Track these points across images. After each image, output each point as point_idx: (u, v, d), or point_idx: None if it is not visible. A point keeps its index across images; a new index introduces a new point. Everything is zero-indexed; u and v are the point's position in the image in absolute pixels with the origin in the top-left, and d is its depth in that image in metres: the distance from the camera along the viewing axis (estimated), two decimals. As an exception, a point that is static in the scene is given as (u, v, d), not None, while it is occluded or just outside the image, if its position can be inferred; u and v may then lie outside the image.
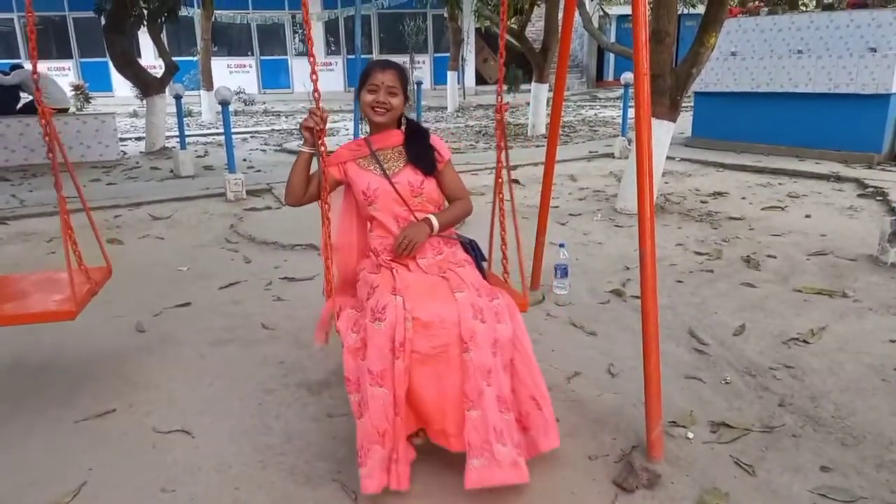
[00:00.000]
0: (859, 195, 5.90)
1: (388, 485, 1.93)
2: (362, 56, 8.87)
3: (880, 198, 5.71)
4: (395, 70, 2.28)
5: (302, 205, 2.34)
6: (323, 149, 2.19)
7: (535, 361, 2.11)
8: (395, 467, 1.94)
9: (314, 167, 2.30)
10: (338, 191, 2.38)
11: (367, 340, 1.95)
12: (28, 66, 8.90)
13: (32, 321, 2.34)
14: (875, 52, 6.96)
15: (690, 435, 2.29)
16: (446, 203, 2.39)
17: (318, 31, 19.56)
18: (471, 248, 2.40)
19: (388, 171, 2.28)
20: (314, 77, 2.15)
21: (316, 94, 2.17)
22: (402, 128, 2.37)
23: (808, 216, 5.24)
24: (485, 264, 2.43)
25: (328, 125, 2.35)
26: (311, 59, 2.15)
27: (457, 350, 1.95)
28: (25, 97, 9.09)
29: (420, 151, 2.31)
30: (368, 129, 2.38)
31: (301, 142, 2.29)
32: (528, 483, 1.94)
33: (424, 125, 2.53)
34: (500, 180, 2.46)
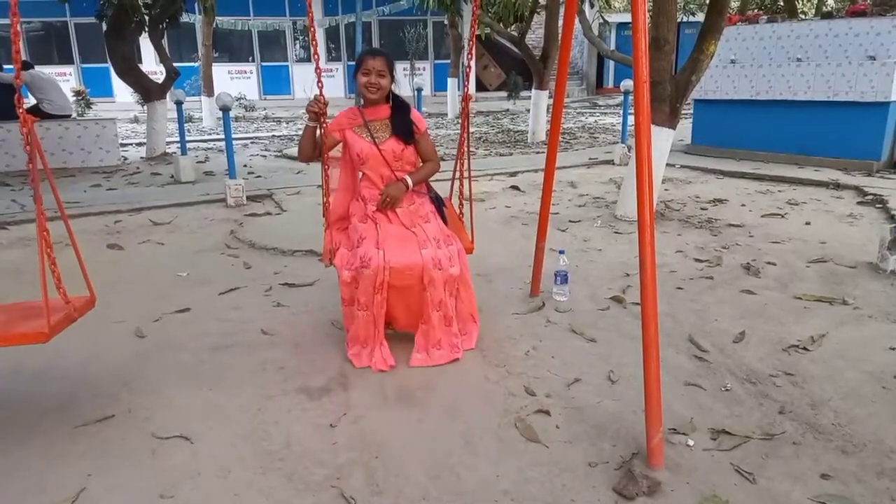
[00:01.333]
0: (859, 202, 5.92)
1: (370, 365, 2.83)
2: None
3: (879, 205, 5.72)
4: (383, 56, 2.90)
5: (311, 161, 3.04)
6: (324, 125, 2.87)
7: (472, 288, 3.03)
8: (374, 358, 2.85)
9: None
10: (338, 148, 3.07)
11: (357, 279, 2.77)
12: (37, 68, 8.97)
13: (4, 344, 2.25)
14: (874, 60, 6.99)
15: (691, 442, 2.29)
16: (420, 163, 3.09)
17: (319, 38, 19.60)
18: (436, 199, 3.17)
19: (376, 140, 2.95)
20: (318, 70, 2.74)
21: (319, 83, 2.79)
22: (390, 102, 2.99)
23: (807, 223, 5.24)
24: (446, 210, 3.22)
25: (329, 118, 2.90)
26: (315, 57, 2.72)
27: (419, 288, 2.79)
28: (28, 101, 9.09)
29: (402, 125, 2.98)
30: (363, 103, 2.99)
31: (307, 119, 2.89)
32: (460, 359, 2.89)
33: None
34: (462, 150, 3.17)
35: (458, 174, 3.32)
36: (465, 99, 3.23)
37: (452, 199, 3.44)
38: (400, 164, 2.99)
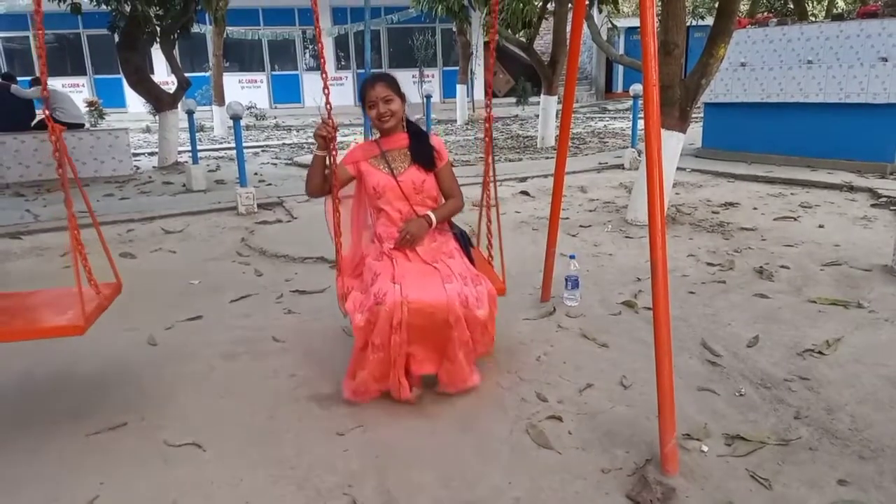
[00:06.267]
0: (872, 205, 5.86)
1: (391, 391, 2.53)
2: (372, 71, 8.96)
3: (894, 207, 5.66)
4: (383, 81, 2.68)
5: (321, 196, 2.76)
6: (334, 153, 2.64)
7: (494, 327, 2.64)
8: (392, 384, 2.52)
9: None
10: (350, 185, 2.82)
11: (372, 321, 2.41)
12: (50, 80, 9.11)
13: (40, 336, 2.32)
14: (886, 61, 6.92)
15: (705, 448, 2.26)
16: (442, 199, 2.82)
17: (328, 47, 19.74)
18: (461, 236, 2.87)
19: (394, 171, 2.72)
20: (326, 91, 2.51)
21: (328, 105, 2.56)
22: (406, 130, 2.77)
23: (821, 226, 5.20)
24: (472, 251, 2.92)
25: (339, 138, 2.70)
26: (324, 76, 2.51)
27: (443, 327, 2.42)
28: (41, 113, 9.22)
29: (423, 152, 2.75)
30: (379, 135, 2.78)
31: (315, 146, 2.67)
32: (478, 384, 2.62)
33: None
34: (487, 179, 2.89)
35: (484, 203, 3.01)
36: (488, 119, 2.95)
37: (481, 235, 3.11)
38: (420, 199, 2.73)
